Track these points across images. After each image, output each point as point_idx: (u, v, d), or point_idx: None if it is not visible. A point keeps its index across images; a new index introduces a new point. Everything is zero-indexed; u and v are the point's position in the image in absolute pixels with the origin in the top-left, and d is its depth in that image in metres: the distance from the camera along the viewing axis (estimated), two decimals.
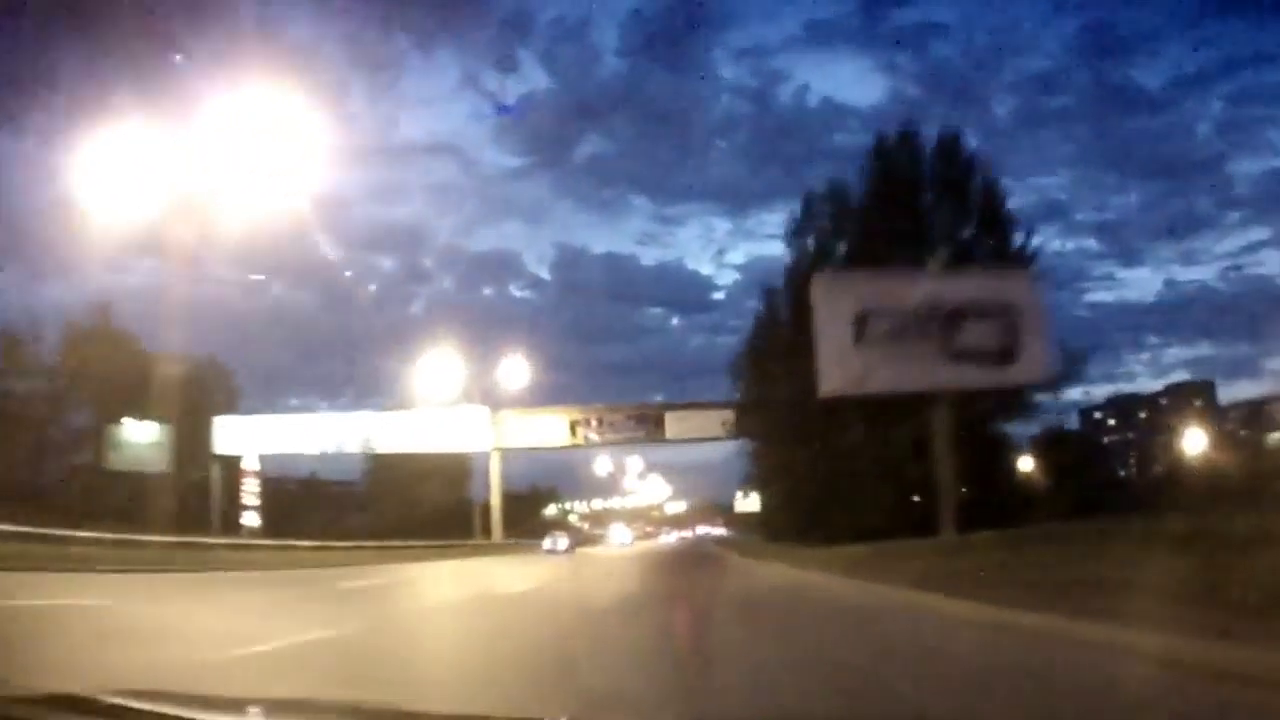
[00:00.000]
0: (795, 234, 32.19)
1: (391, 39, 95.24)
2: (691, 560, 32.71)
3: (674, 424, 45.73)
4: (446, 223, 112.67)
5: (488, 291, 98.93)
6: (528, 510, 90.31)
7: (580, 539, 65.38)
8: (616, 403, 48.22)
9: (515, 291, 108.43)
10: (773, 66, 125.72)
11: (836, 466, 30.06)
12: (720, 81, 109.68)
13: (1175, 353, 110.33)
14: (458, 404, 47.42)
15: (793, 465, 33.74)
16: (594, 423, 46.46)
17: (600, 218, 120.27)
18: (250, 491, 55.94)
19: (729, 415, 44.42)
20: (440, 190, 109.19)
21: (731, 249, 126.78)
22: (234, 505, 54.11)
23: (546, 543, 47.12)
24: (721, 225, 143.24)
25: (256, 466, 55.28)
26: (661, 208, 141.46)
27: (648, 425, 46.18)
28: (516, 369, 47.23)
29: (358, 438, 49.72)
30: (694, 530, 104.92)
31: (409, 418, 48.19)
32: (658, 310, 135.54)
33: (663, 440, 46.50)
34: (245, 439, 52.04)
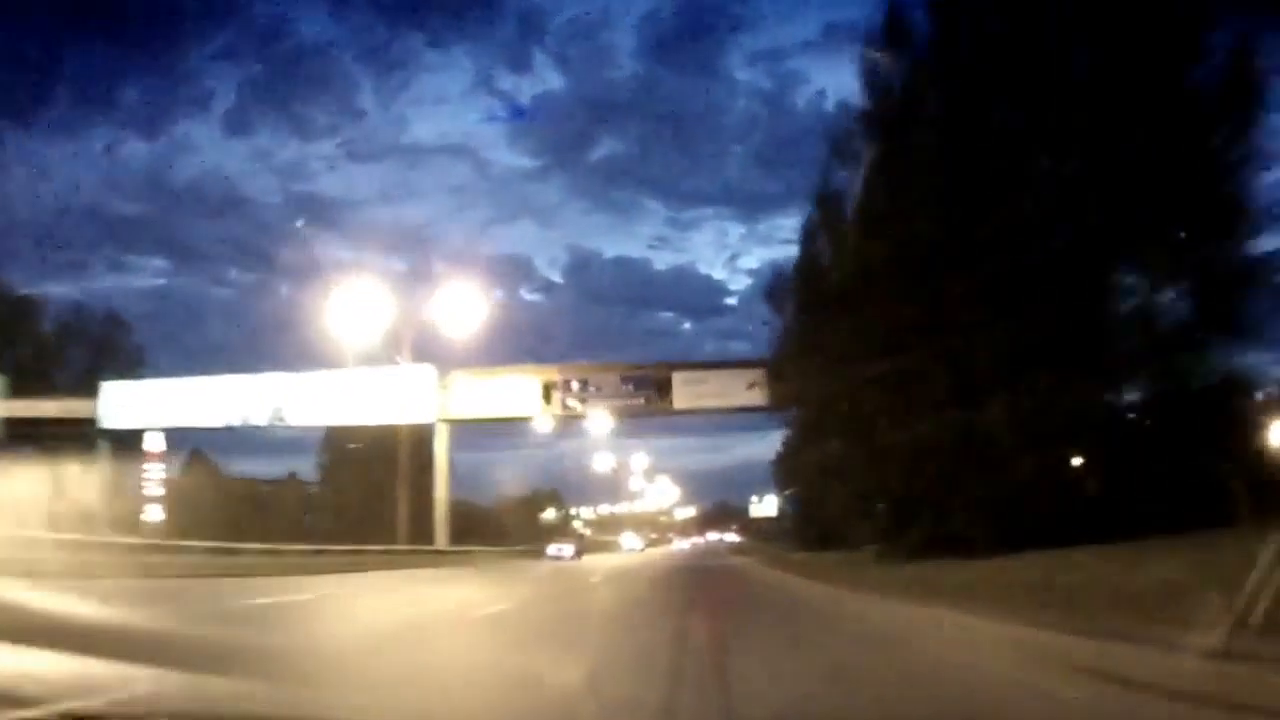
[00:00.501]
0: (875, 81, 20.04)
1: (404, 38, 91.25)
2: (733, 592, 19.29)
3: (684, 389, 33.32)
4: (458, 224, 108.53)
5: (498, 294, 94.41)
6: (527, 515, 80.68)
7: (584, 545, 58.34)
8: (608, 361, 35.95)
9: (526, 295, 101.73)
10: (788, 69, 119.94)
11: (958, 438, 17.78)
12: (735, 84, 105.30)
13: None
14: (394, 363, 35.36)
15: (868, 439, 21.42)
16: (576, 386, 34.12)
17: (613, 221, 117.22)
18: (153, 479, 44.91)
19: (758, 376, 32.14)
20: (452, 191, 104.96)
21: (745, 254, 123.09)
22: (131, 495, 43.24)
23: (551, 549, 46.82)
24: (735, 230, 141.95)
25: (160, 447, 44.24)
26: (675, 211, 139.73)
27: (649, 391, 33.78)
28: (465, 306, 34.76)
29: (268, 407, 37.74)
30: (705, 536, 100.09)
31: (332, 381, 36.17)
32: (670, 315, 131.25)
33: (670, 411, 34.07)
34: (137, 409, 40.35)
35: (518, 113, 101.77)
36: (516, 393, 34.36)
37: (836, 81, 75.40)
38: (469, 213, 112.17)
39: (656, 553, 69.26)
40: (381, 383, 35.24)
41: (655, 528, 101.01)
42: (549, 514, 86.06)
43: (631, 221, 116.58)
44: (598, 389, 33.96)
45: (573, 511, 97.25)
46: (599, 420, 43.13)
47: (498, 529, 63.55)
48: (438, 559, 30.12)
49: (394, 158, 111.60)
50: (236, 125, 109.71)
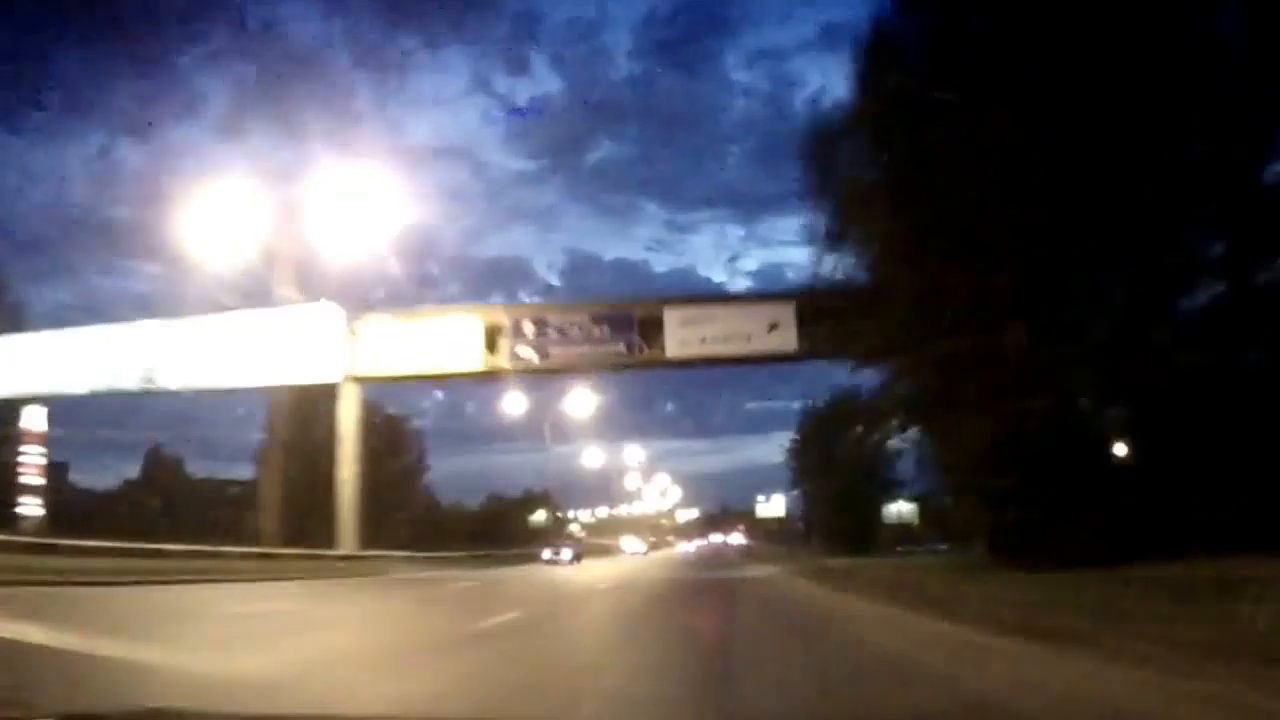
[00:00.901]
0: None
1: (399, 39, 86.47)
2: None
3: (681, 331, 23.98)
4: (455, 227, 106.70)
5: (496, 298, 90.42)
6: (518, 518, 73.86)
7: (581, 549, 53.67)
8: (578, 301, 26.64)
9: (525, 298, 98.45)
10: (787, 70, 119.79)
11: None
12: (734, 85, 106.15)
13: None
14: (289, 303, 26.19)
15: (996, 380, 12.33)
16: (530, 331, 24.77)
17: (611, 224, 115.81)
18: (31, 466, 36.45)
19: (785, 313, 22.90)
20: (449, 194, 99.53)
21: (745, 255, 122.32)
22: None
23: (546, 554, 44.52)
24: (734, 231, 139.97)
25: (41, 425, 35.87)
26: (673, 214, 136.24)
27: (630, 335, 24.42)
28: (356, 199, 25.29)
29: (139, 365, 28.71)
30: (708, 539, 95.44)
31: (213, 330, 27.08)
32: None
33: (660, 362, 24.70)
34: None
35: (515, 115, 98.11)
36: (451, 340, 25.08)
37: (835, 81, 70.31)
38: (466, 216, 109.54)
39: (656, 557, 60.50)
40: (272, 330, 26.12)
41: (655, 531, 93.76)
42: (539, 516, 77.65)
43: (630, 224, 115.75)
44: (560, 333, 24.59)
45: (570, 515, 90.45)
46: (575, 396, 34.06)
47: (481, 534, 56.66)
48: (322, 568, 20.87)
49: (389, 161, 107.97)
50: (229, 127, 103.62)
